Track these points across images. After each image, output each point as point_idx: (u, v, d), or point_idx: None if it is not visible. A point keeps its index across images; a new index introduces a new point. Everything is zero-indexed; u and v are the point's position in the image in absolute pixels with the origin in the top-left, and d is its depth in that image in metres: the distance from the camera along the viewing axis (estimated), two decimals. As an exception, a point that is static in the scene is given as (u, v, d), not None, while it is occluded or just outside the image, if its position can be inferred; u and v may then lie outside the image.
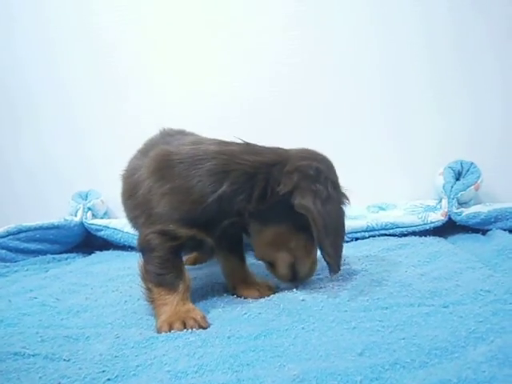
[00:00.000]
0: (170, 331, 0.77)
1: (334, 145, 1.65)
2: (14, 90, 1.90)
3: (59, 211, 1.72)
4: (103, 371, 0.64)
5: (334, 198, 0.88)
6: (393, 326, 0.69)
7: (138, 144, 1.11)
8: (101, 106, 1.85)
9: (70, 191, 1.78)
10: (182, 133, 1.11)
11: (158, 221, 0.86)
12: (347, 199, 0.93)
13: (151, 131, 1.12)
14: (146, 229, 0.87)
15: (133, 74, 1.80)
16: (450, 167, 1.44)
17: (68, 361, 0.70)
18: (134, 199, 0.95)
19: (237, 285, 0.99)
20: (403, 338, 0.63)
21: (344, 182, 1.66)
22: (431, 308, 0.75)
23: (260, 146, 0.93)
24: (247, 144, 0.92)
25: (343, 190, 0.94)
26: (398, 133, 1.65)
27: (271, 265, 0.93)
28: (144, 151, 1.03)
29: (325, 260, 0.87)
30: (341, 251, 0.90)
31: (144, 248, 0.88)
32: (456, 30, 1.57)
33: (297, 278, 0.92)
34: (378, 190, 1.64)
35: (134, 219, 1.01)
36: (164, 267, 0.85)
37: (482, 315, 0.68)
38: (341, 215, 0.90)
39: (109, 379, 0.61)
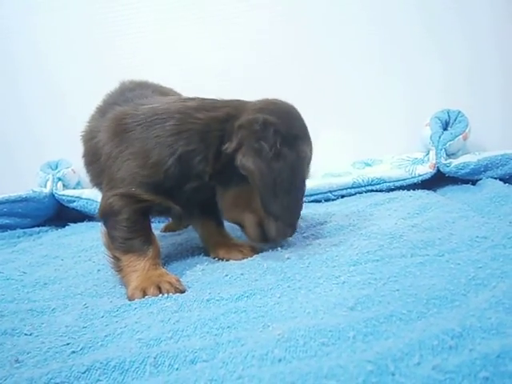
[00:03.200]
0: (143, 297, 0.70)
1: (318, 102, 1.59)
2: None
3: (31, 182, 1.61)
4: (68, 344, 0.57)
5: (285, 154, 0.77)
6: (385, 278, 0.63)
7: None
8: (78, 69, 1.71)
9: (40, 161, 1.66)
10: (143, 86, 1.01)
11: (120, 184, 0.80)
12: (307, 152, 0.83)
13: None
14: (109, 192, 0.81)
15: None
16: (436, 117, 1.37)
17: (30, 335, 0.63)
18: (96, 166, 0.89)
19: (217, 249, 0.92)
20: (397, 290, 0.58)
21: (327, 138, 1.63)
22: (425, 258, 0.69)
23: (217, 101, 0.84)
24: (203, 99, 0.84)
25: (305, 143, 0.83)
26: (381, 86, 1.57)
27: (242, 227, 0.87)
28: (103, 110, 0.94)
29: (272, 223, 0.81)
30: (294, 212, 0.82)
31: (107, 212, 0.81)
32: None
33: (268, 239, 0.84)
34: (363, 146, 1.57)
35: (98, 185, 0.95)
36: (131, 231, 0.78)
37: (481, 261, 0.63)
38: (295, 173, 0.78)
39: (73, 352, 0.55)
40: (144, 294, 0.72)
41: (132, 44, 1.67)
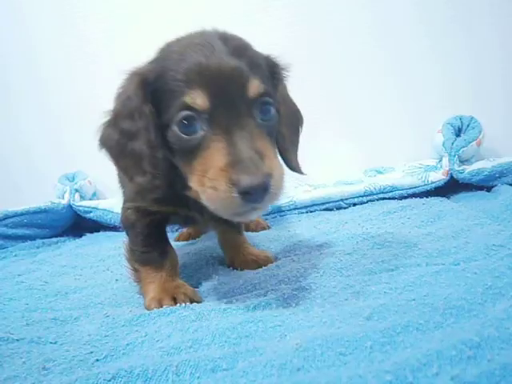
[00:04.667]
0: (159, 308, 0.72)
1: (329, 111, 1.60)
2: None
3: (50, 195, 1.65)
4: (91, 352, 0.59)
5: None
6: (401, 288, 0.64)
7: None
8: (82, 88, 1.75)
9: (56, 175, 1.70)
10: None
11: (132, 197, 0.81)
12: None
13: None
14: (125, 204, 0.84)
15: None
16: (449, 123, 1.37)
17: (54, 343, 0.65)
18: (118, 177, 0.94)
19: (234, 257, 0.94)
20: (413, 299, 0.58)
21: (339, 147, 1.63)
22: (441, 267, 0.69)
23: None
24: None
25: None
26: (391, 95, 1.57)
27: None
28: None
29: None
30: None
31: (124, 224, 0.84)
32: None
33: None
34: (374, 154, 1.58)
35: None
36: (147, 244, 0.80)
37: (498, 270, 0.63)
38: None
39: (97, 360, 0.56)
40: (160, 304, 0.73)
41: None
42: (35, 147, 1.83)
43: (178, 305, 0.71)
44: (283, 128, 0.74)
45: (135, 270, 0.82)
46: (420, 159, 1.45)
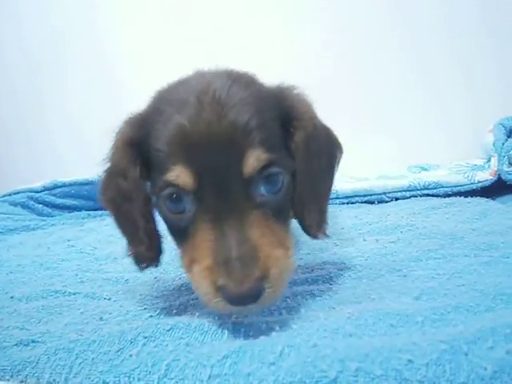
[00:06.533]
0: None
1: (375, 106, 1.60)
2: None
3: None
4: (145, 308, 0.63)
5: None
6: (449, 274, 0.64)
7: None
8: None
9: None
10: None
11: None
12: None
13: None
14: None
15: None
16: (500, 124, 1.34)
17: (108, 299, 0.69)
18: None
19: None
20: (463, 285, 0.59)
21: (383, 143, 1.62)
22: (490, 258, 0.69)
23: None
24: None
25: None
26: (442, 93, 1.55)
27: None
28: None
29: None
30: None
31: None
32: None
33: None
34: (418, 152, 1.56)
35: None
36: None
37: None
38: None
39: (151, 316, 0.60)
40: None
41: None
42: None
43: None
44: (302, 183, 0.60)
45: None
46: (467, 159, 1.42)
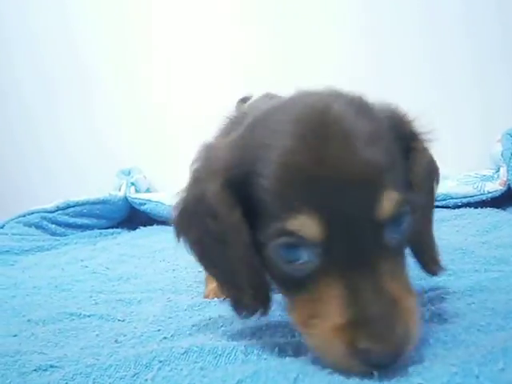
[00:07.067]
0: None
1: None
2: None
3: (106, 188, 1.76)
4: (159, 330, 0.64)
5: None
6: (460, 292, 0.64)
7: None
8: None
9: (114, 169, 1.81)
10: None
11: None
12: None
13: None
14: None
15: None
16: (508, 133, 1.34)
17: (123, 321, 0.71)
18: None
19: None
20: (473, 303, 0.59)
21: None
22: (500, 273, 0.69)
23: None
24: None
25: None
26: (446, 105, 1.55)
27: None
28: None
29: None
30: None
31: None
32: None
33: None
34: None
35: None
36: None
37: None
38: None
39: (165, 337, 0.61)
40: (217, 296, 0.76)
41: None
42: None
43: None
44: (421, 218, 0.53)
45: None
46: (476, 169, 1.42)
